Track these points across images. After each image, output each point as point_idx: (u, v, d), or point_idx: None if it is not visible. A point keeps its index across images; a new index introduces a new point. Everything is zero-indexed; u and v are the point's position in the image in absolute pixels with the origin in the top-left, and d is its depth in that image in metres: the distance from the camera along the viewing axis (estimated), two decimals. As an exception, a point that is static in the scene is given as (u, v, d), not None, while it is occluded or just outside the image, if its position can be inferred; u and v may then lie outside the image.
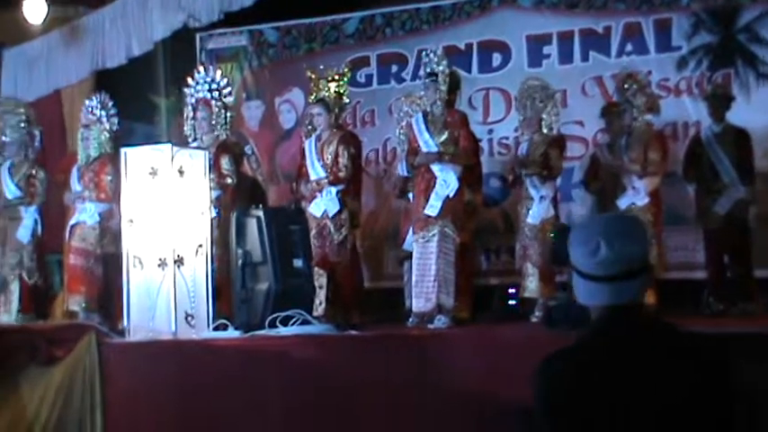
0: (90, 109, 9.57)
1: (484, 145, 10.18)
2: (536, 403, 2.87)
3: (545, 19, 10.68)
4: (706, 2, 10.05)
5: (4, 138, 10.02)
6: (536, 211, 8.57)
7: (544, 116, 8.77)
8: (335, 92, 8.90)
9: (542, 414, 2.85)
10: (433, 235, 8.02)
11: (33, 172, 9.89)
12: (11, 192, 9.84)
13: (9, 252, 9.78)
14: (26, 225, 9.77)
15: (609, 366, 2.81)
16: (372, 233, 10.56)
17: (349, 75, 9.33)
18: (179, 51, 11.76)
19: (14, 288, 9.62)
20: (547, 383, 2.85)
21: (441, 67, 8.24)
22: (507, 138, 10.44)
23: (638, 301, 2.96)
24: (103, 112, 9.53)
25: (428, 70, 8.30)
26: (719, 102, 8.99)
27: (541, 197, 8.58)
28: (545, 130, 8.76)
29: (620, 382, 2.79)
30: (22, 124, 9.95)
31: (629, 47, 10.34)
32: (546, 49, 10.63)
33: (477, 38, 10.83)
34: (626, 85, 8.86)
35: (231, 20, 11.04)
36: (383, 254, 10.70)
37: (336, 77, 9.04)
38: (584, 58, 10.50)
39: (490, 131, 10.60)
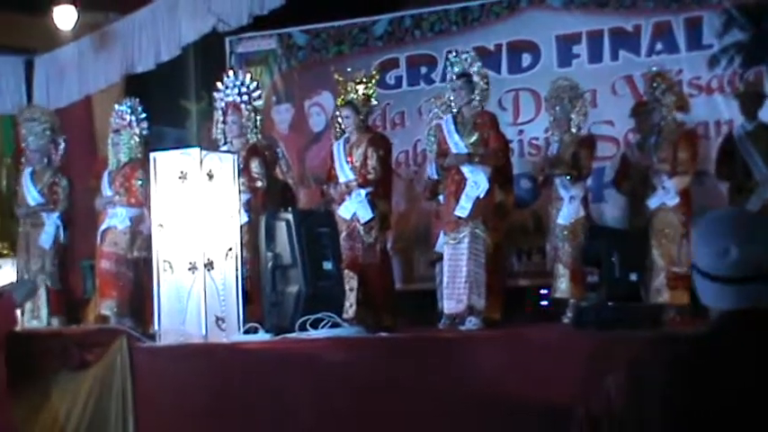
0: (120, 114, 9.60)
1: (514, 146, 10.12)
2: (631, 409, 2.69)
3: (574, 18, 10.62)
4: (737, -1, 9.98)
5: (27, 145, 10.08)
6: (566, 212, 8.52)
7: (573, 116, 8.72)
8: (363, 94, 8.88)
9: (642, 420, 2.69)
10: (464, 236, 7.99)
11: (56, 179, 9.96)
12: (33, 198, 9.91)
13: (32, 258, 9.84)
14: (48, 231, 9.84)
15: (737, 374, 2.63)
16: (403, 235, 10.53)
17: (378, 77, 9.31)
18: (208, 55, 11.79)
19: (41, 293, 9.67)
20: (659, 388, 2.68)
21: (475, 68, 8.21)
22: (537, 138, 10.39)
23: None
24: (134, 117, 9.57)
25: (457, 71, 8.27)
26: (751, 100, 8.92)
27: (571, 197, 8.54)
28: (574, 130, 8.71)
29: (746, 390, 2.61)
30: (47, 132, 10.01)
31: (659, 45, 10.27)
32: (575, 49, 10.57)
33: (507, 38, 10.78)
34: (654, 84, 8.79)
35: (260, 23, 11.06)
36: (414, 256, 10.66)
37: (364, 80, 9.02)
38: (614, 57, 10.43)
39: (520, 132, 10.55)
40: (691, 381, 2.63)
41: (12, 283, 8.33)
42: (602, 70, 10.40)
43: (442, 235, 8.97)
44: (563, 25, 10.63)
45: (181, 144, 10.11)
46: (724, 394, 2.61)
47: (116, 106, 9.78)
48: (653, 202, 8.55)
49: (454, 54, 8.42)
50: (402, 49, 11.26)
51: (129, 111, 9.58)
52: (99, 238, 9.53)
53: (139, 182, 9.31)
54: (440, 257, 9.17)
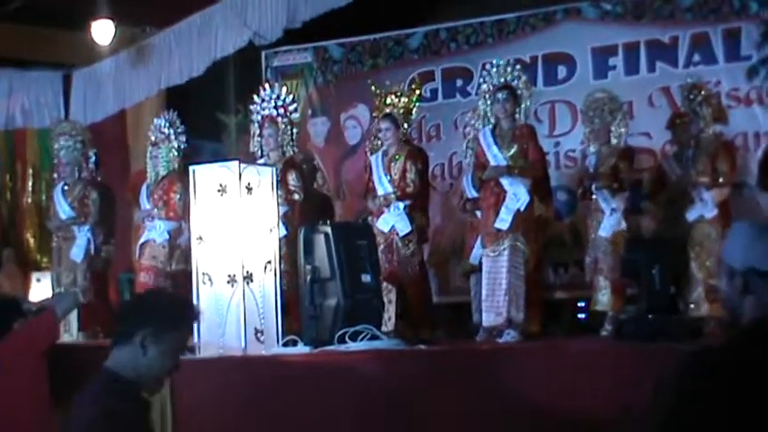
0: (158, 127, 9.65)
1: (550, 158, 10.09)
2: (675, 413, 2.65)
3: (610, 30, 10.60)
4: (776, 10, 9.91)
5: (60, 159, 10.14)
6: (607, 224, 8.47)
7: (612, 128, 8.68)
8: (404, 107, 8.88)
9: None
10: (504, 249, 7.95)
11: (86, 192, 10.01)
12: (64, 212, 9.97)
13: (63, 271, 9.89)
14: (79, 245, 9.88)
15: None
16: (439, 248, 10.52)
17: (419, 90, 9.32)
18: (245, 69, 11.84)
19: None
20: (702, 386, 2.64)
21: (520, 82, 8.22)
22: (574, 150, 10.35)
23: None
24: (172, 131, 9.60)
25: (496, 83, 8.25)
26: (792, 111, 8.87)
27: (612, 210, 8.48)
28: (614, 141, 8.67)
29: None
30: (78, 145, 10.07)
31: (696, 57, 10.22)
32: (611, 61, 10.53)
33: (542, 50, 10.76)
34: (692, 96, 8.73)
35: (296, 37, 11.09)
36: (450, 268, 10.65)
37: (407, 93, 9.02)
38: (651, 68, 10.39)
39: (557, 144, 10.52)
40: (731, 387, 2.62)
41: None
42: (638, 82, 10.36)
43: (476, 247, 8.97)
44: (599, 37, 10.60)
45: (217, 157, 10.15)
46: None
47: (155, 120, 9.83)
48: (691, 215, 8.49)
49: (495, 65, 8.40)
50: (437, 62, 11.27)
51: (167, 124, 9.62)
52: (137, 252, 9.58)
53: (178, 195, 9.34)
54: (473, 269, 9.17)
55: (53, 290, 10.05)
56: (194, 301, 7.21)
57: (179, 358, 3.61)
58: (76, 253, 9.88)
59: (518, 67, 8.40)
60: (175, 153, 9.56)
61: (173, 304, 3.63)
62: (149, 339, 3.43)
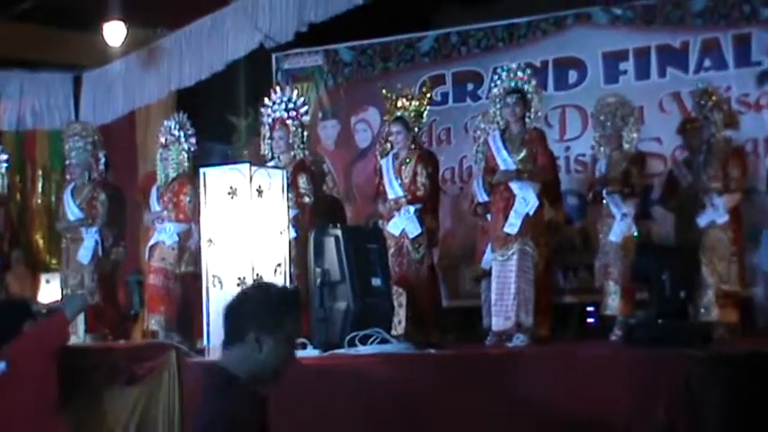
0: (169, 129, 9.64)
1: (561, 162, 10.09)
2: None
3: (621, 35, 10.60)
4: (786, 15, 9.90)
5: (70, 161, 10.15)
6: (618, 229, 8.46)
7: (624, 133, 8.67)
8: (415, 110, 8.88)
9: None
10: (513, 253, 7.94)
11: (95, 194, 10.00)
12: (73, 213, 9.97)
13: (70, 273, 9.89)
14: (87, 246, 9.87)
15: None
16: (449, 252, 10.52)
17: (430, 93, 9.33)
18: (255, 71, 11.85)
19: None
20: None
21: (530, 86, 8.21)
22: (584, 155, 10.34)
23: None
24: (182, 133, 9.59)
25: (506, 87, 8.24)
26: (803, 116, 8.87)
27: (623, 215, 8.46)
28: (626, 146, 8.66)
29: None
30: (88, 147, 10.07)
31: (707, 62, 10.22)
32: (622, 66, 10.54)
33: (553, 55, 10.77)
34: (702, 101, 8.72)
35: (307, 40, 11.10)
36: (460, 272, 10.65)
37: (418, 97, 9.03)
38: (662, 74, 10.39)
39: (567, 149, 10.52)
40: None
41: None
42: (649, 87, 10.36)
43: (487, 251, 8.96)
44: (609, 42, 10.60)
45: (227, 159, 10.15)
46: None
47: (165, 122, 9.83)
48: (702, 220, 8.48)
49: (506, 69, 8.39)
50: (448, 66, 11.27)
51: (177, 126, 9.61)
52: (147, 254, 9.57)
53: (188, 197, 9.34)
54: (483, 273, 9.16)
55: (62, 291, 10.05)
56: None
57: (295, 346, 3.60)
58: (84, 254, 9.87)
59: (528, 71, 8.38)
60: (185, 155, 9.55)
61: (277, 295, 3.56)
62: (263, 335, 3.40)
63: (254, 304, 3.48)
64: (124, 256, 10.31)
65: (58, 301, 7.14)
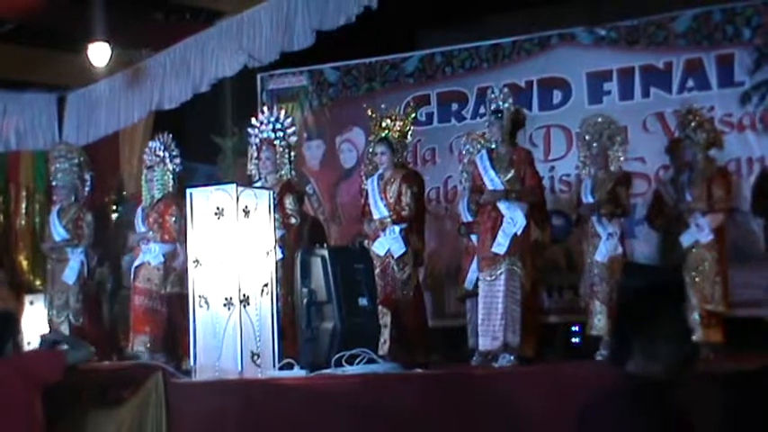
0: (153, 150, 9.64)
1: (545, 182, 10.07)
2: None
3: (605, 55, 10.64)
4: (768, 36, 9.97)
5: (56, 182, 10.13)
6: (604, 249, 8.51)
7: (610, 153, 8.73)
8: (399, 131, 8.92)
9: None
10: (501, 273, 7.98)
11: (81, 214, 10.00)
12: (59, 234, 9.96)
13: (56, 293, 9.87)
14: (72, 267, 9.87)
15: None
16: (434, 271, 10.54)
17: (415, 114, 9.36)
18: (240, 92, 11.86)
19: (64, 330, 9.68)
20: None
21: (506, 105, 8.24)
22: (569, 175, 10.38)
23: None
24: (167, 154, 9.60)
25: (493, 108, 8.30)
26: (787, 137, 8.93)
27: (609, 235, 8.52)
28: (611, 167, 8.71)
29: None
30: (74, 168, 10.06)
31: (690, 82, 10.27)
32: (606, 86, 10.58)
33: (538, 75, 10.81)
34: (686, 121, 8.80)
35: (291, 60, 11.12)
36: (445, 292, 10.66)
37: (403, 117, 9.06)
38: (645, 94, 10.44)
39: (551, 169, 10.55)
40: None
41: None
42: (633, 107, 10.40)
43: (471, 271, 9.00)
44: (594, 62, 10.65)
45: (212, 180, 10.14)
46: None
47: (149, 143, 9.83)
48: (686, 240, 8.54)
49: (490, 90, 8.46)
50: (433, 86, 11.31)
51: (162, 147, 9.62)
52: (132, 275, 9.56)
53: (173, 218, 9.35)
54: (468, 294, 9.18)
55: (48, 312, 10.02)
56: None
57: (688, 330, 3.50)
58: (69, 275, 9.86)
59: (505, 91, 8.41)
60: (170, 176, 9.56)
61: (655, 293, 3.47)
62: (653, 334, 3.34)
63: (635, 311, 3.42)
64: (108, 276, 10.30)
65: (66, 342, 7.02)
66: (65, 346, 6.67)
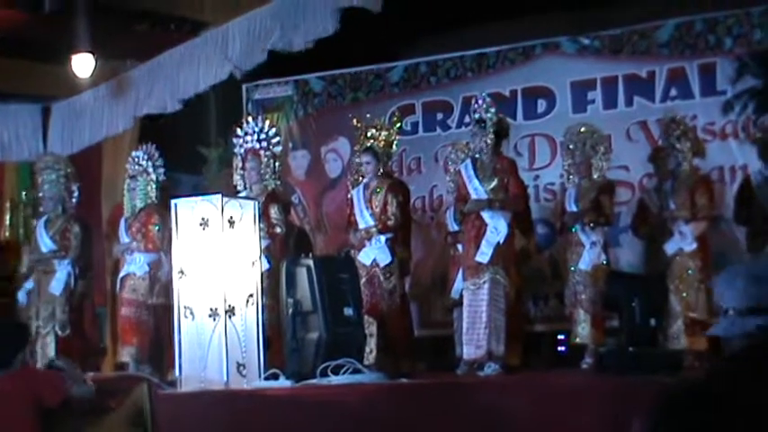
0: (137, 160, 9.66)
1: (530, 191, 10.09)
2: None
3: (588, 65, 10.67)
4: (750, 46, 10.02)
5: (43, 193, 10.12)
6: (587, 258, 8.56)
7: (593, 162, 8.78)
8: (384, 140, 8.96)
9: None
10: (484, 282, 8.03)
11: (68, 225, 9.97)
12: (45, 245, 9.92)
13: (42, 305, 9.85)
14: (59, 278, 9.83)
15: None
16: (420, 281, 10.56)
17: (400, 123, 9.40)
18: (225, 102, 11.87)
19: (50, 341, 9.66)
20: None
21: (489, 115, 8.28)
22: (553, 183, 10.41)
23: None
24: (150, 163, 9.62)
25: (476, 117, 8.36)
26: (769, 146, 8.99)
27: (592, 243, 8.57)
28: (595, 176, 8.77)
29: None
30: (62, 179, 10.04)
31: (673, 91, 10.31)
32: (590, 95, 10.61)
33: (522, 84, 10.84)
34: (670, 130, 8.85)
35: (276, 70, 11.14)
36: (431, 301, 10.68)
37: (388, 126, 9.10)
38: (629, 103, 10.48)
39: (536, 178, 10.57)
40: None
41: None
42: (616, 116, 10.44)
43: (457, 281, 9.03)
44: (578, 71, 10.68)
45: (197, 190, 10.15)
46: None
47: (133, 152, 9.84)
48: (670, 248, 8.59)
49: (474, 101, 8.52)
50: (418, 96, 11.33)
51: (145, 157, 9.64)
52: (118, 286, 9.57)
53: (156, 227, 9.37)
54: (455, 303, 9.22)
55: (33, 324, 9.99)
56: None
57: None
58: (55, 286, 9.84)
59: (488, 100, 8.47)
60: (153, 186, 9.58)
61: None
62: None
63: None
64: (89, 288, 10.27)
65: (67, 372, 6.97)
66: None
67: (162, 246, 9.29)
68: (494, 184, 8.22)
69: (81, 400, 6.67)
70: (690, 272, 8.51)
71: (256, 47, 10.41)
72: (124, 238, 9.77)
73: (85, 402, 7.17)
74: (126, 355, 9.28)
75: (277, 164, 9.12)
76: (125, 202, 9.74)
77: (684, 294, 8.48)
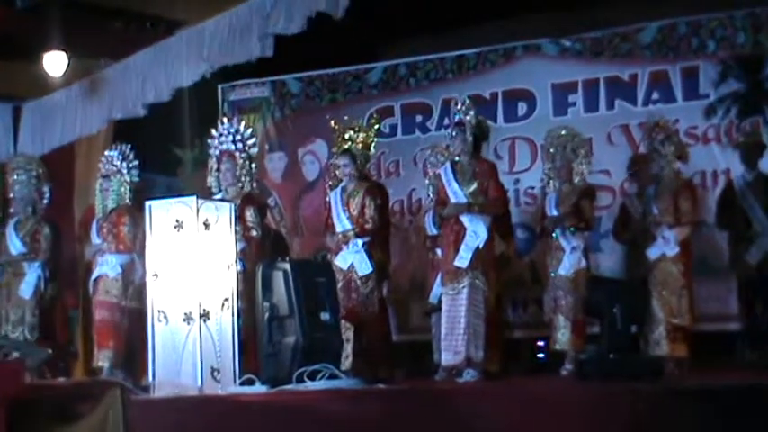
0: (110, 159, 9.58)
1: (510, 195, 10.11)
2: None
3: (570, 67, 10.70)
4: (733, 49, 10.06)
5: (14, 194, 10.05)
6: (567, 263, 8.57)
7: (574, 166, 8.79)
8: (362, 142, 8.94)
9: None
10: (463, 287, 8.03)
11: (38, 227, 9.92)
12: (15, 247, 9.87)
13: (11, 308, 9.79)
14: (28, 281, 9.80)
15: None
16: (398, 285, 10.53)
17: (378, 126, 9.39)
18: (201, 103, 11.83)
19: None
20: None
21: (468, 117, 8.28)
22: (534, 188, 10.41)
23: None
24: (124, 164, 9.55)
25: (456, 120, 8.35)
26: (752, 150, 9.03)
27: (573, 248, 8.59)
28: (576, 180, 8.78)
29: None
30: (33, 180, 9.99)
31: (655, 95, 10.34)
32: (571, 98, 10.64)
33: (502, 87, 10.85)
34: (654, 134, 8.87)
35: (253, 71, 11.10)
36: (410, 306, 10.67)
37: (366, 129, 9.08)
38: (610, 106, 10.50)
39: (516, 181, 10.60)
40: None
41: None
42: (597, 119, 10.47)
43: (435, 285, 9.03)
44: (559, 74, 10.70)
45: (171, 192, 10.11)
46: None
47: (106, 152, 9.77)
48: (653, 253, 8.60)
49: (454, 103, 8.52)
50: (397, 98, 11.33)
51: (119, 157, 9.56)
52: (91, 288, 9.49)
53: (127, 228, 9.31)
54: (433, 308, 9.21)
55: (2, 328, 9.94)
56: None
57: None
58: (25, 289, 9.79)
59: (467, 102, 8.46)
60: (126, 187, 9.50)
61: None
62: None
63: None
64: (58, 291, 10.20)
65: (11, 346, 6.96)
66: (15, 353, 6.60)
67: (134, 247, 9.23)
68: (473, 187, 8.21)
69: (41, 363, 6.63)
70: (672, 277, 8.51)
71: (233, 46, 10.37)
72: (96, 239, 9.71)
73: (56, 403, 7.15)
74: (103, 358, 9.19)
75: (253, 166, 9.07)
76: (97, 203, 9.66)
77: (667, 300, 8.49)
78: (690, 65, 10.24)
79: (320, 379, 7.34)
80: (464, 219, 8.17)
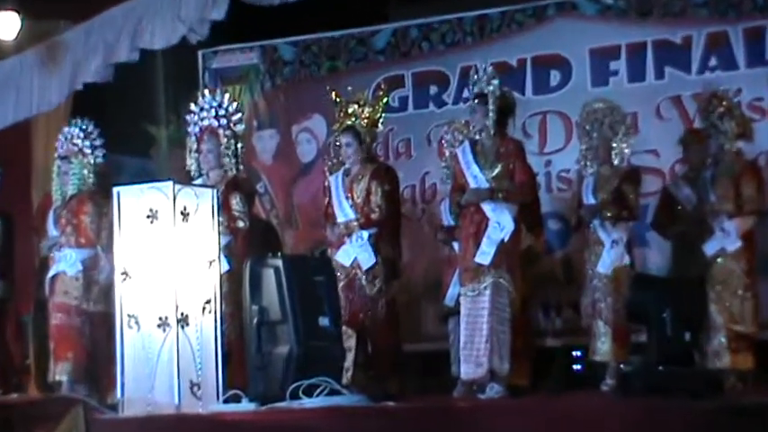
0: (70, 138, 9.58)
1: (540, 179, 10.16)
2: None
3: (612, 29, 10.71)
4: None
5: None
6: (607, 259, 8.57)
7: (614, 144, 8.79)
8: (368, 118, 8.94)
9: None
10: (485, 287, 8.04)
11: None
12: None
13: None
14: None
15: None
16: (409, 285, 10.55)
17: (387, 98, 9.40)
18: (178, 72, 11.83)
19: None
20: None
21: (491, 88, 8.28)
22: (568, 171, 10.41)
23: None
24: (86, 143, 9.55)
25: (476, 91, 8.36)
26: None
27: (613, 242, 8.60)
28: (615, 162, 8.77)
29: None
30: None
31: (713, 61, 10.34)
32: (613, 65, 10.65)
33: (532, 52, 10.87)
34: (710, 108, 8.85)
35: (240, 34, 11.11)
36: (422, 310, 10.69)
37: (372, 102, 9.09)
38: (659, 74, 10.51)
39: (548, 163, 10.62)
40: None
41: None
42: (644, 90, 10.48)
43: (452, 286, 9.05)
44: (598, 37, 10.71)
45: (144, 176, 10.12)
46: None
47: (64, 129, 9.77)
48: (710, 248, 8.60)
49: (474, 71, 8.51)
50: (408, 65, 11.35)
51: (80, 135, 9.55)
52: (47, 289, 9.50)
53: (89, 218, 9.32)
54: (450, 312, 9.23)
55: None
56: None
57: None
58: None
59: (489, 70, 8.45)
60: (90, 169, 9.50)
61: None
62: None
63: None
64: (11, 292, 10.22)
65: None
66: None
67: (98, 240, 9.25)
68: (497, 170, 8.23)
69: None
70: (734, 277, 8.50)
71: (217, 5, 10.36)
72: (53, 231, 9.73)
73: (7, 426, 7.22)
74: (61, 372, 9.21)
75: (239, 145, 9.10)
76: (54, 189, 9.70)
77: (728, 304, 8.48)
78: (754, 25, 10.24)
79: (318, 395, 7.37)
80: (486, 207, 8.18)
